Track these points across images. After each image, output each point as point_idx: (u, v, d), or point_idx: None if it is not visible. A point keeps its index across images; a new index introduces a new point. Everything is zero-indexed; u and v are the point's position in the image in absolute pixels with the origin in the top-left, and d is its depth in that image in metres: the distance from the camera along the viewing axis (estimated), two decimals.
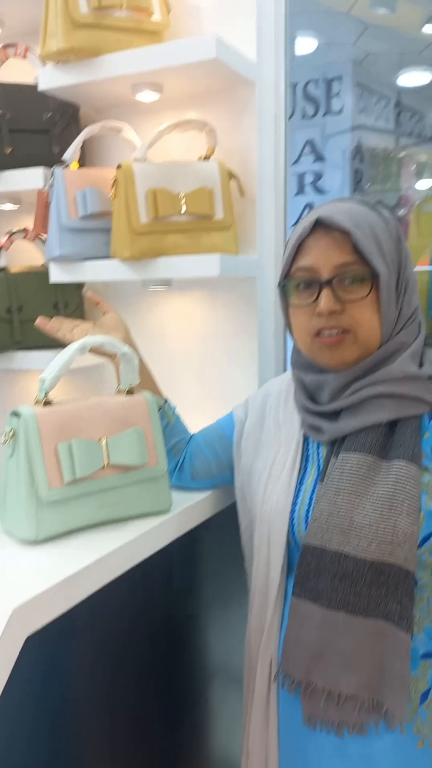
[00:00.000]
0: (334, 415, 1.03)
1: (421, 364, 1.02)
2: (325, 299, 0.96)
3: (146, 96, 1.50)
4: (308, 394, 1.07)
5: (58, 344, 1.68)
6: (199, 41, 1.32)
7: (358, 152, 4.34)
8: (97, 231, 1.50)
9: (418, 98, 4.80)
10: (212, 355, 1.64)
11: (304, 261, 0.99)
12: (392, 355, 1.00)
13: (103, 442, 1.03)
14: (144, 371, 1.25)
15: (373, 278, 0.96)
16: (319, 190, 4.09)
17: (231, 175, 1.46)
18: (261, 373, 1.56)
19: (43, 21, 1.43)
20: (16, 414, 0.99)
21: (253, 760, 1.09)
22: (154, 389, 1.26)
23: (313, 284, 0.98)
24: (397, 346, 1.00)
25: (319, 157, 4.14)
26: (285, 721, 1.05)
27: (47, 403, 1.01)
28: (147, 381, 1.25)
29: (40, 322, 1.24)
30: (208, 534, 1.26)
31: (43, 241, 1.63)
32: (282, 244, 1.56)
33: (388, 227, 0.99)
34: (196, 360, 1.66)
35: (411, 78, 4.59)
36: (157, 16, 1.46)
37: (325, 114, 4.27)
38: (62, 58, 1.44)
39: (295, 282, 1.00)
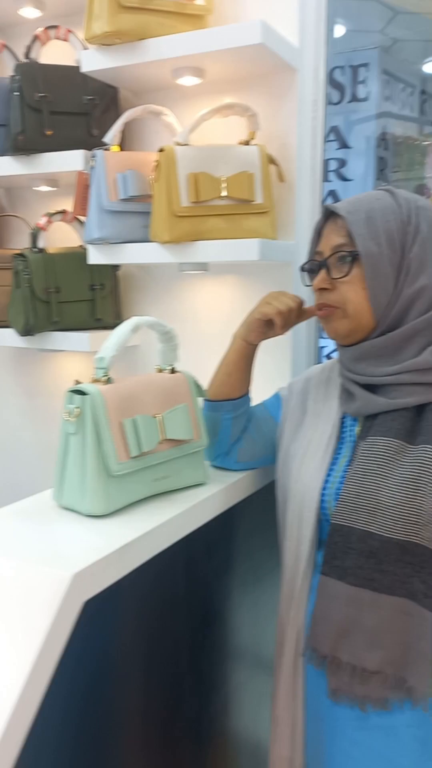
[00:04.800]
0: (365, 387, 1.07)
1: None
2: (318, 277, 1.07)
3: (187, 80, 1.51)
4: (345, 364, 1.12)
5: (93, 326, 1.72)
6: (244, 26, 1.33)
7: (382, 140, 4.31)
8: (137, 214, 1.51)
9: None
10: None
11: (318, 247, 1.09)
12: (410, 339, 1.03)
13: (159, 418, 1.06)
14: None
15: (358, 258, 1.01)
16: (342, 177, 4.08)
17: (271, 160, 1.47)
18: (294, 360, 1.58)
19: (87, 3, 1.44)
20: (80, 392, 1.01)
21: (281, 727, 1.13)
22: None
23: (320, 265, 1.07)
24: (413, 333, 1.02)
25: (344, 144, 4.12)
26: (312, 690, 1.09)
27: (107, 381, 1.04)
28: None
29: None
30: (245, 511, 1.29)
31: (82, 223, 1.65)
32: None
33: (398, 210, 1.03)
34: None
35: None
36: (200, 1, 1.47)
37: (350, 101, 4.24)
38: (106, 41, 1.45)
39: (310, 265, 1.10)
